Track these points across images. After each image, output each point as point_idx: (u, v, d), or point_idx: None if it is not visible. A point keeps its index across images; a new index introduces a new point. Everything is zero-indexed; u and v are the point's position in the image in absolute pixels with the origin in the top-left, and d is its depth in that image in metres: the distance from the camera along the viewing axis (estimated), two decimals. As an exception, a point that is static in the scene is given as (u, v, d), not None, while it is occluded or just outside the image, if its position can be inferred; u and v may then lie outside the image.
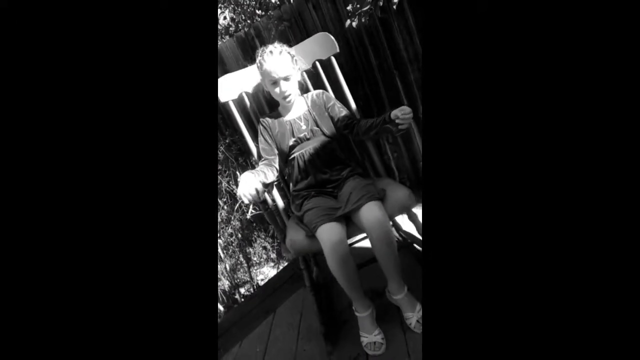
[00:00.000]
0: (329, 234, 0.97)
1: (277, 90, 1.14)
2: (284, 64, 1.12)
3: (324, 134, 1.18)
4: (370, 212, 0.98)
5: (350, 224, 1.04)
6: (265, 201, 1.07)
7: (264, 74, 1.14)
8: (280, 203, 1.25)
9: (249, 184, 0.96)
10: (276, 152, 1.21)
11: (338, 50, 1.29)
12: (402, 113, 0.93)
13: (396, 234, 1.44)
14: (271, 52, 1.12)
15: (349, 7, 1.35)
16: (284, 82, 1.13)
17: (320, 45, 1.30)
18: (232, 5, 2.15)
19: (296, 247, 1.04)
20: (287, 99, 1.16)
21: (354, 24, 1.35)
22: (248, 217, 2.00)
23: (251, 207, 1.96)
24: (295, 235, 1.05)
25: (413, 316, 1.04)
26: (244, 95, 1.28)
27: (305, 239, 1.03)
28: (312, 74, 1.34)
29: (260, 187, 0.97)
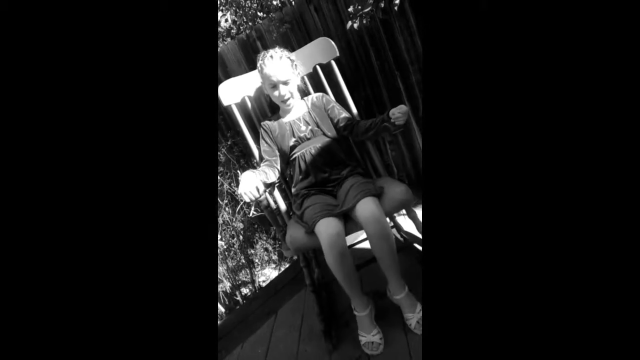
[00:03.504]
0: (326, 227, 0.98)
1: (276, 93, 1.17)
2: (283, 68, 1.15)
3: (324, 134, 1.20)
4: (365, 206, 0.99)
5: (350, 222, 1.05)
6: (266, 202, 1.11)
7: (264, 77, 1.17)
8: (282, 205, 1.25)
9: (249, 182, 0.98)
10: (277, 153, 1.24)
11: (338, 55, 1.32)
12: (398, 110, 0.98)
13: (397, 235, 1.44)
14: (271, 56, 1.15)
15: (350, 9, 1.36)
16: (283, 85, 1.16)
17: (321, 49, 1.33)
18: (233, 8, 2.16)
19: (295, 243, 1.05)
20: (286, 102, 1.19)
21: (355, 25, 1.36)
22: (250, 215, 2.00)
23: (253, 207, 1.97)
24: (294, 232, 1.06)
25: (413, 317, 1.04)
26: (247, 99, 1.32)
27: (304, 235, 1.04)
28: (313, 77, 1.35)
29: (261, 185, 0.99)
